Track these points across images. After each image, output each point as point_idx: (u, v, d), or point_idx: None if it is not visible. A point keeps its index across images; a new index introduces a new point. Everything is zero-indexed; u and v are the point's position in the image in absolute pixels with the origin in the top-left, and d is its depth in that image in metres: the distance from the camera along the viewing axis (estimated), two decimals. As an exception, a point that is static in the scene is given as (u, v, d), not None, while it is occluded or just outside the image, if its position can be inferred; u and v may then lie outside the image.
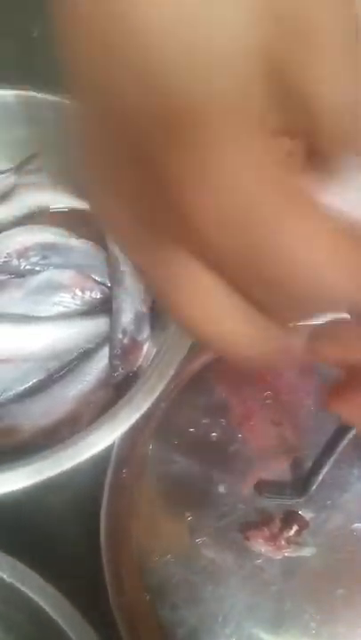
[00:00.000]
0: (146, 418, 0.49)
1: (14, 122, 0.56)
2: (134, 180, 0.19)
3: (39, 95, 0.54)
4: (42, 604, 0.36)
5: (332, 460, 0.44)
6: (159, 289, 0.21)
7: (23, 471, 0.40)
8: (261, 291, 0.20)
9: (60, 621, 0.35)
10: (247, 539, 0.45)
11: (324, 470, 0.45)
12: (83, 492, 0.47)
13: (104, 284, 0.56)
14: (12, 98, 0.55)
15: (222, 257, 0.19)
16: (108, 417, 0.42)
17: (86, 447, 0.41)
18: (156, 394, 0.42)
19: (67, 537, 0.47)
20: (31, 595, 0.36)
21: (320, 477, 0.46)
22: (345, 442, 0.44)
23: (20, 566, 0.36)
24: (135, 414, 0.42)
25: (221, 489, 0.48)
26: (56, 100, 0.54)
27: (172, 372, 0.43)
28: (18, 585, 0.36)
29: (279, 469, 0.48)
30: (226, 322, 0.21)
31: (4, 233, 0.57)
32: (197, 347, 0.52)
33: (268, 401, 0.52)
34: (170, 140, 0.18)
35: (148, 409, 0.49)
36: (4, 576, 0.36)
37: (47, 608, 0.36)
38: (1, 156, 0.58)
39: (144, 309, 0.53)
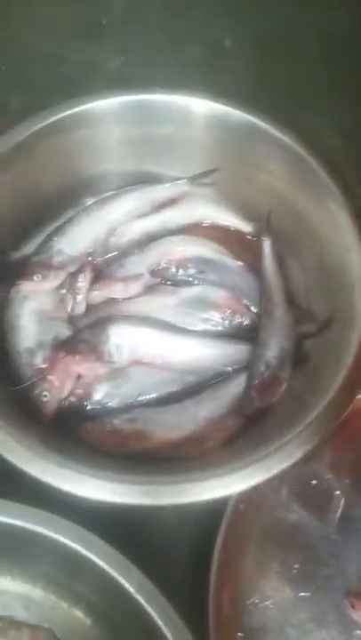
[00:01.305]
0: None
1: (208, 136, 0.57)
2: None
3: (248, 116, 0.55)
4: (155, 617, 0.36)
5: None
6: None
7: (163, 490, 0.41)
8: None
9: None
10: (353, 607, 0.44)
11: None
12: (200, 517, 0.47)
13: (254, 312, 0.56)
14: (234, 116, 0.55)
15: None
16: (255, 461, 0.42)
17: (229, 485, 0.41)
18: (310, 448, 0.42)
19: (178, 558, 0.47)
20: (146, 605, 0.36)
21: None
22: None
23: (144, 579, 0.37)
24: (284, 464, 0.41)
25: (333, 549, 0.47)
26: (264, 126, 0.54)
27: (330, 430, 0.43)
28: (137, 597, 0.36)
29: None
30: None
31: (168, 238, 0.58)
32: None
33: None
34: None
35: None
36: (128, 585, 0.37)
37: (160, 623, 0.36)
38: (183, 164, 0.59)
39: (290, 346, 0.53)
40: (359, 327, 0.46)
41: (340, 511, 0.49)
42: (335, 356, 0.46)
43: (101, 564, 0.39)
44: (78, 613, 0.44)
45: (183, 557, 0.46)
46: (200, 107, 0.56)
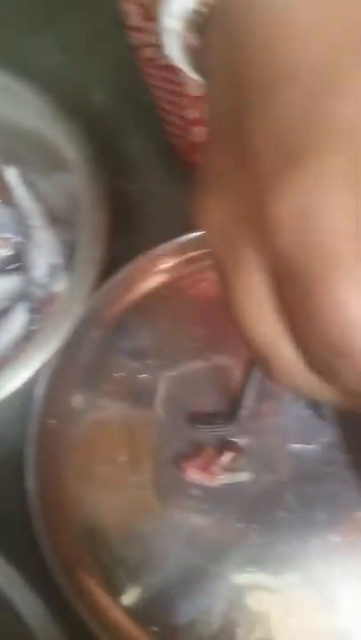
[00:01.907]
0: (69, 367, 0.48)
1: None
2: (238, 190, 0.23)
3: None
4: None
5: (254, 384, 0.44)
6: (223, 271, 0.24)
7: None
8: (297, 319, 0.22)
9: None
10: (182, 470, 0.44)
11: (251, 395, 0.45)
12: (5, 447, 0.45)
13: (15, 241, 0.54)
14: None
15: (281, 271, 0.22)
16: (13, 360, 0.41)
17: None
18: (62, 332, 0.41)
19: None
20: None
21: (249, 403, 0.45)
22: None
23: None
24: (41, 355, 0.41)
25: (154, 427, 0.47)
26: None
27: (77, 310, 0.42)
28: None
29: (213, 401, 0.48)
30: (268, 334, 0.23)
31: None
32: (115, 291, 0.51)
33: (196, 338, 0.51)
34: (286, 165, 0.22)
35: (71, 357, 0.48)
36: None
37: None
38: None
39: (59, 261, 0.52)
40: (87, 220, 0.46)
41: (160, 395, 0.48)
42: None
43: None
44: None
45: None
46: None
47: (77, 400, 0.48)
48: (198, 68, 0.29)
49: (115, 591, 0.42)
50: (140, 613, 0.42)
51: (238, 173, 0.23)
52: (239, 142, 0.23)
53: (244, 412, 0.46)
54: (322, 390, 0.24)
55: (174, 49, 0.29)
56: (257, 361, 0.25)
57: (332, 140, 0.21)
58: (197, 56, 0.28)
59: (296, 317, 0.22)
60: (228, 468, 0.45)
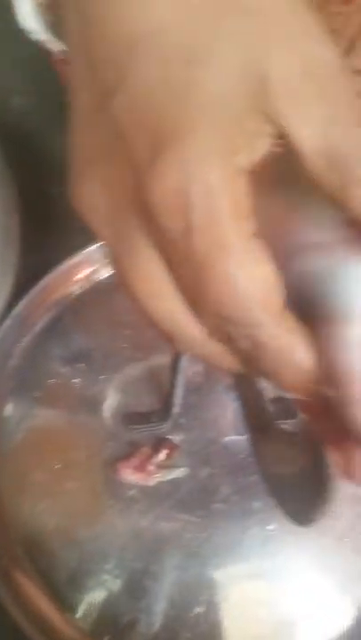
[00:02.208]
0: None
1: None
2: (113, 175, 0.23)
3: None
4: None
5: (180, 381, 0.44)
6: (115, 256, 0.23)
7: None
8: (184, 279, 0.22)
9: None
10: (117, 471, 0.44)
11: (180, 392, 0.45)
12: None
13: None
14: None
15: (164, 244, 0.22)
16: None
17: None
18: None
19: None
20: None
21: (179, 400, 0.45)
22: (184, 361, 0.43)
23: None
24: None
25: (89, 432, 0.47)
26: None
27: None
28: None
29: (148, 401, 0.48)
30: (165, 303, 0.23)
31: None
32: (43, 296, 0.51)
33: (127, 339, 0.50)
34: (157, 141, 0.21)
35: (0, 367, 0.47)
36: None
37: None
38: None
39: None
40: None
41: (94, 399, 0.48)
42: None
43: None
44: None
45: None
46: None
47: (9, 410, 0.47)
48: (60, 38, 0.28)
49: (55, 598, 0.42)
50: (81, 617, 0.42)
51: (111, 158, 0.22)
52: (107, 124, 0.22)
53: (175, 409, 0.46)
54: (226, 359, 0.24)
55: (29, 19, 0.28)
56: (164, 337, 0.25)
57: (196, 117, 0.21)
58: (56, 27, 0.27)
59: (188, 293, 0.23)
60: (164, 466, 0.45)
